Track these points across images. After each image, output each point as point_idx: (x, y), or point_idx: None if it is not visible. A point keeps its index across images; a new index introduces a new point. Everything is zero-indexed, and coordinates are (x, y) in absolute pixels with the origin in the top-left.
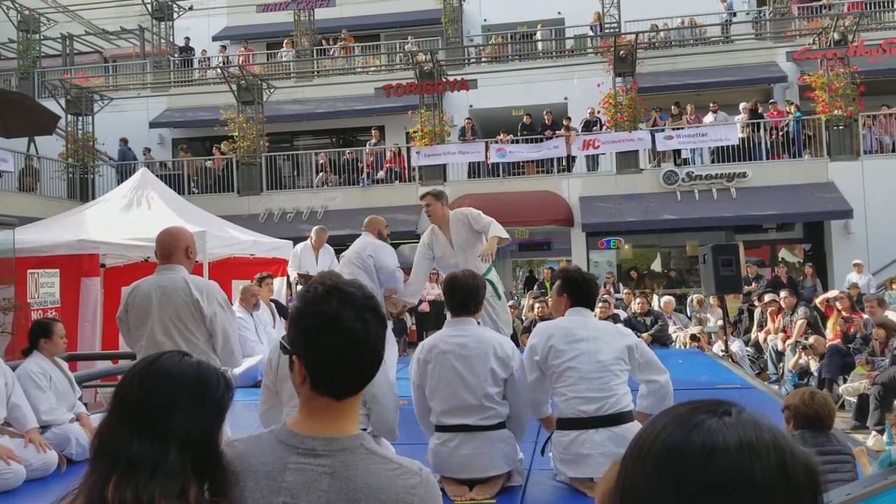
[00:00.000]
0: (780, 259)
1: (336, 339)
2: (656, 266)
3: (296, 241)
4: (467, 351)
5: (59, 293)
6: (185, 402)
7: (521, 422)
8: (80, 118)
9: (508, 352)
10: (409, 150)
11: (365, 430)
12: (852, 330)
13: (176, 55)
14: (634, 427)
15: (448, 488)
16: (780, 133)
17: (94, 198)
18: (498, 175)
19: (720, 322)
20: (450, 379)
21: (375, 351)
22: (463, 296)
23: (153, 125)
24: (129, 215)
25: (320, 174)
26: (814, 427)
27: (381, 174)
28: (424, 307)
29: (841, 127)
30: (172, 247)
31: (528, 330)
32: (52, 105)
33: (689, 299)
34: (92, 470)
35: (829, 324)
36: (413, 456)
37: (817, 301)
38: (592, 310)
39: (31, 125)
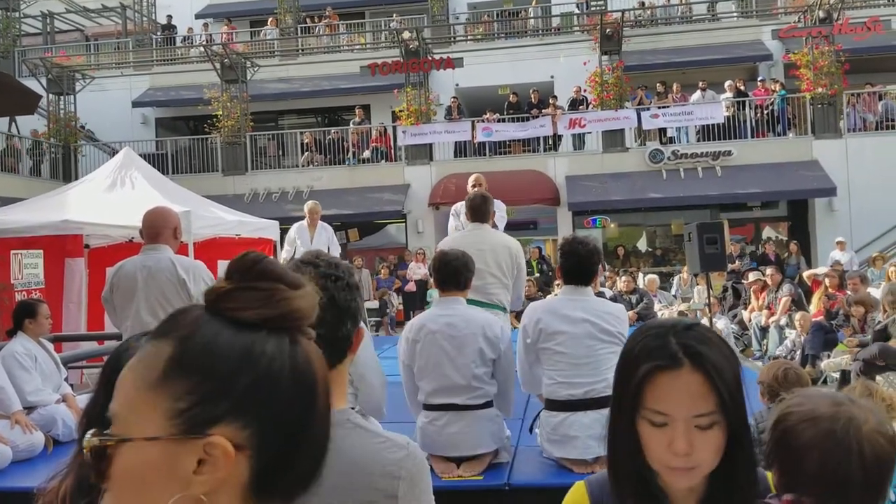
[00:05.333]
0: (765, 237)
1: None
2: (642, 244)
3: (281, 221)
4: (455, 331)
5: (43, 274)
6: None
7: (508, 400)
8: (62, 97)
9: (497, 332)
10: (395, 129)
11: (352, 409)
12: (835, 307)
13: (158, 33)
14: None
15: (436, 466)
16: (766, 111)
17: (77, 178)
18: (484, 154)
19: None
20: (438, 359)
21: (326, 333)
22: (451, 271)
23: (136, 104)
24: (112, 196)
25: (305, 154)
26: None
27: (366, 154)
28: (411, 287)
29: (825, 105)
30: (160, 226)
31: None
32: (33, 84)
33: (677, 277)
34: (81, 450)
35: (814, 300)
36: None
37: (805, 275)
38: (588, 285)
39: (12, 105)
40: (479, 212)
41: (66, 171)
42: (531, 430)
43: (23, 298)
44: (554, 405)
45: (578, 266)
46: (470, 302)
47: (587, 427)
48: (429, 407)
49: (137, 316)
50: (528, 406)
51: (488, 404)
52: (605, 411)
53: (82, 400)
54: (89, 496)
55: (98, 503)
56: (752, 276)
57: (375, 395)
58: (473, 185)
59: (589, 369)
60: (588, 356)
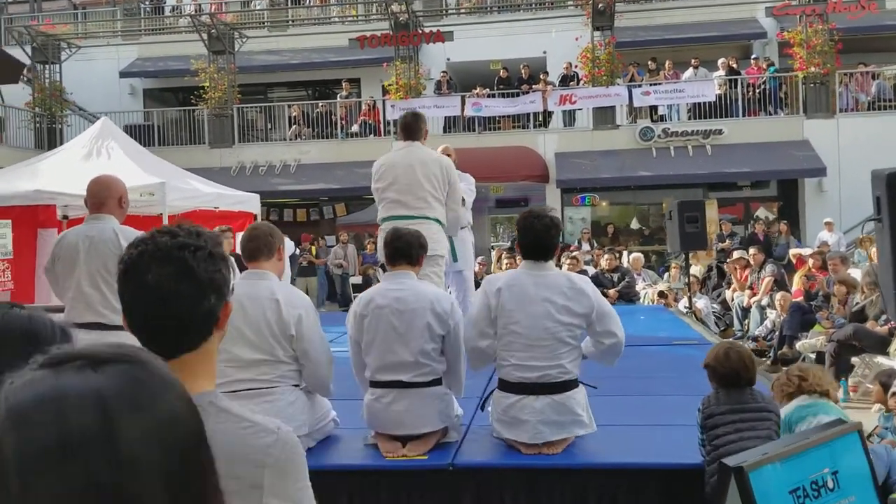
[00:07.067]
0: (755, 216)
1: (131, 291)
2: (631, 223)
3: (268, 194)
4: (404, 305)
5: (12, 244)
6: (12, 360)
7: (458, 377)
8: (48, 67)
9: (447, 308)
10: (384, 103)
11: (297, 386)
12: (815, 288)
13: (147, 2)
14: (576, 395)
15: (381, 444)
16: (758, 90)
17: None
18: (474, 130)
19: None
20: (385, 334)
21: (179, 309)
22: (402, 245)
23: (123, 75)
24: (87, 165)
25: (293, 127)
26: (731, 384)
27: (355, 128)
28: None
29: (817, 84)
30: (104, 196)
31: None
32: (17, 53)
33: (667, 274)
34: None
35: (794, 280)
36: (350, 412)
37: (791, 253)
38: (549, 260)
39: None
40: (410, 129)
41: (52, 142)
42: (482, 406)
43: None
44: (506, 386)
45: (536, 241)
46: (400, 218)
47: (538, 412)
48: (375, 384)
49: (78, 287)
50: (490, 385)
51: (436, 382)
52: (558, 396)
53: None
54: None
55: None
56: (735, 255)
57: (320, 373)
58: (447, 154)
59: (545, 352)
60: (544, 338)
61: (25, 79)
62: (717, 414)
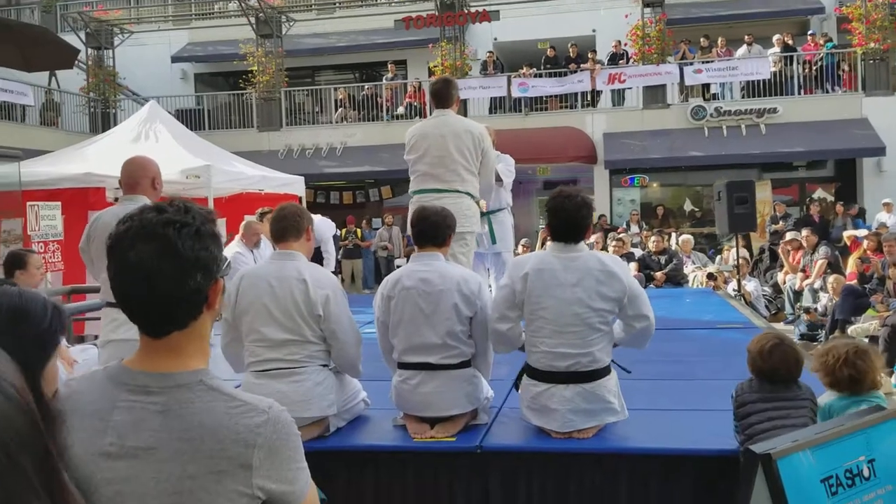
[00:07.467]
0: (809, 197)
1: (116, 268)
2: (681, 204)
3: (315, 177)
4: (430, 287)
5: (63, 226)
6: (1, 337)
7: (487, 360)
8: (101, 52)
9: (474, 289)
10: (430, 85)
11: (326, 366)
12: (869, 270)
13: None
14: (607, 382)
15: (409, 425)
16: (815, 67)
17: None
18: (520, 111)
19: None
20: (412, 316)
21: (163, 287)
22: (429, 226)
23: (175, 60)
24: (136, 148)
25: (339, 110)
26: (768, 380)
27: (400, 110)
28: None
29: (877, 61)
30: (139, 176)
31: None
32: (72, 39)
33: (719, 257)
34: None
35: (849, 262)
36: (381, 393)
37: (845, 235)
38: (579, 241)
39: (51, 59)
40: (440, 96)
41: (106, 126)
42: (516, 386)
43: (14, 249)
44: (535, 374)
45: (567, 222)
46: (431, 191)
47: (568, 401)
48: (402, 365)
49: None
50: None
51: (464, 364)
52: (588, 385)
53: (76, 351)
54: None
55: None
56: (788, 237)
57: (349, 353)
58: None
59: (575, 338)
60: (574, 324)
61: (81, 65)
62: (750, 402)
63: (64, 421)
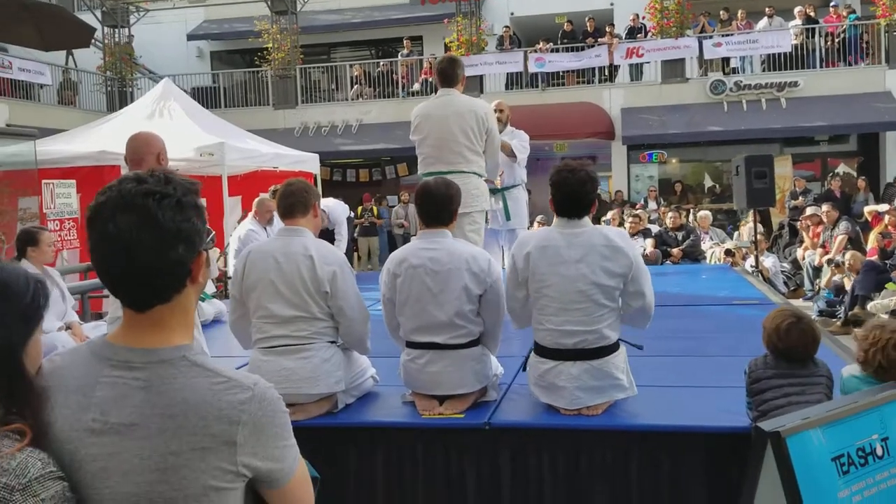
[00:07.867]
0: (833, 172)
1: (95, 240)
2: (700, 180)
3: (331, 154)
4: (439, 266)
5: (79, 204)
6: None
7: (495, 339)
8: (117, 30)
9: (483, 266)
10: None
11: (333, 342)
12: (891, 245)
13: None
14: (615, 358)
15: (418, 402)
16: (837, 40)
17: None
18: (536, 86)
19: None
20: (420, 295)
21: (142, 259)
22: (433, 204)
23: (191, 37)
24: (150, 126)
25: (355, 87)
26: (784, 358)
27: (416, 86)
28: None
29: None
30: (143, 152)
31: None
32: (88, 17)
33: (736, 233)
34: None
35: (870, 237)
36: (390, 369)
37: (866, 210)
38: (583, 217)
39: (67, 38)
40: (445, 75)
41: (123, 105)
42: (524, 367)
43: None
44: (542, 351)
45: (570, 196)
46: (438, 174)
47: (575, 378)
48: (410, 345)
49: None
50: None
51: (473, 343)
52: (596, 361)
53: (88, 328)
54: None
55: None
56: (808, 212)
57: (356, 329)
58: (499, 110)
59: (581, 314)
60: (579, 301)
61: (97, 43)
62: (765, 378)
63: (48, 397)
